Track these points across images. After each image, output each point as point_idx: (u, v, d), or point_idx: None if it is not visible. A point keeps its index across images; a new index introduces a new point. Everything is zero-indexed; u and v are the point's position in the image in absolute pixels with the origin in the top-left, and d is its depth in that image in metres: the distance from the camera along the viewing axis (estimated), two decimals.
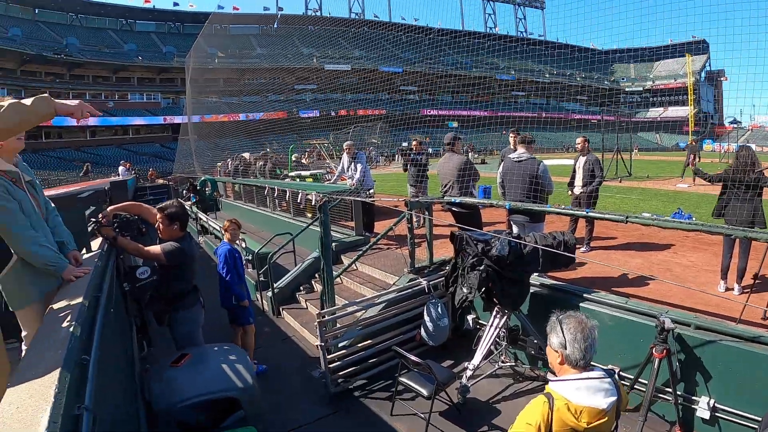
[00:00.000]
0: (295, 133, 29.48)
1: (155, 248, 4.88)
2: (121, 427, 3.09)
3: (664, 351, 4.47)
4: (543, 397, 2.73)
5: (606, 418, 2.65)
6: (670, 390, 4.64)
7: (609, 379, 2.72)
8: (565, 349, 2.76)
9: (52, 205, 3.62)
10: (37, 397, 1.58)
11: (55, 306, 2.76)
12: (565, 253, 5.46)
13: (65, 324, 2.29)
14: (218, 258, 6.69)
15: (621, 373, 5.13)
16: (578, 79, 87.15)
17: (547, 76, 79.76)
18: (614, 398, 2.67)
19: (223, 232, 7.06)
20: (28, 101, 2.61)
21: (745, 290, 6.51)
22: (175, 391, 3.93)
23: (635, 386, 4.85)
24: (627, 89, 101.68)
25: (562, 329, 2.81)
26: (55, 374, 1.73)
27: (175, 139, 52.70)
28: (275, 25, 68.10)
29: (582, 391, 2.66)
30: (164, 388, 3.99)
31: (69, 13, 70.74)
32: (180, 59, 58.26)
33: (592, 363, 2.77)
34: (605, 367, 2.89)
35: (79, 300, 2.70)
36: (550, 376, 3.03)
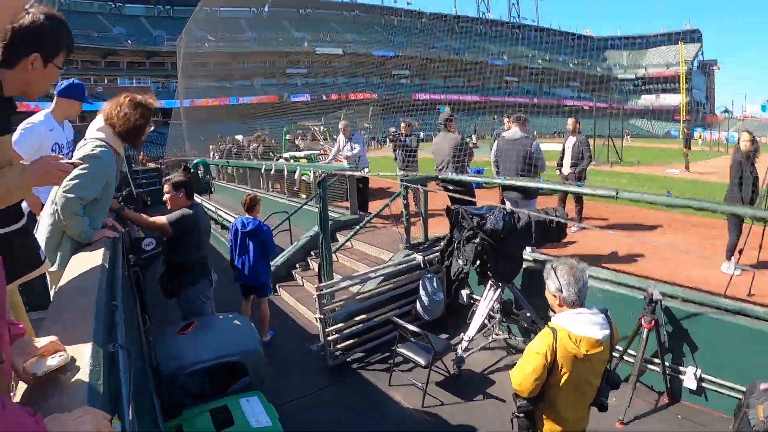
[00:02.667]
0: (286, 117, 29.37)
1: (160, 218, 4.91)
2: (139, 388, 3.21)
3: (653, 322, 4.65)
4: (548, 329, 3.15)
5: (601, 348, 3.03)
6: (658, 361, 4.82)
7: (602, 315, 3.12)
8: (562, 292, 3.13)
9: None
10: (76, 337, 1.63)
11: (76, 261, 2.85)
12: (558, 219, 5.57)
13: (91, 277, 2.37)
14: (260, 232, 6.76)
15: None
16: (571, 65, 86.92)
17: (540, 62, 79.43)
18: (607, 331, 3.06)
19: (246, 207, 7.07)
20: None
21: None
22: (181, 357, 3.98)
23: (624, 357, 5.02)
24: (619, 76, 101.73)
25: (556, 275, 3.16)
26: (91, 315, 1.80)
27: (166, 124, 52.20)
28: (266, 9, 67.66)
29: (580, 323, 3.05)
30: (170, 355, 4.03)
31: None
32: (170, 43, 57.67)
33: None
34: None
35: (99, 255, 2.81)
36: (550, 313, 3.34)
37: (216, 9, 59.69)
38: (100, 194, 3.34)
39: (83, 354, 1.51)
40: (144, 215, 5.00)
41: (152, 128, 3.85)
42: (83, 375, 1.41)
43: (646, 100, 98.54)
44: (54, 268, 3.08)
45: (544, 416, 3.29)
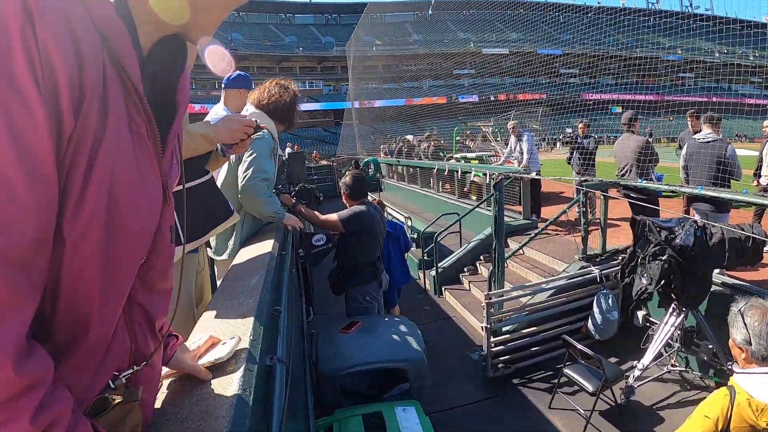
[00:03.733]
0: (454, 118, 29.49)
1: (332, 216, 4.99)
2: (296, 383, 3.19)
3: None
4: (725, 389, 2.57)
5: None
6: None
7: None
8: (750, 345, 2.59)
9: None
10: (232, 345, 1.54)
11: (243, 257, 2.87)
12: (756, 237, 4.87)
13: (256, 274, 2.34)
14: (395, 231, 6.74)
15: None
16: (751, 58, 79.57)
17: (717, 55, 73.44)
18: None
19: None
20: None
21: None
22: (343, 356, 3.98)
23: None
24: None
25: (744, 323, 2.64)
26: (250, 320, 1.69)
27: (337, 124, 54.54)
28: (429, 12, 68.50)
29: (766, 386, 2.45)
30: (332, 353, 4.04)
31: (232, 11, 75.67)
32: (339, 48, 60.29)
33: None
34: None
35: (268, 249, 2.79)
36: (735, 367, 2.78)
37: (381, 14, 61.37)
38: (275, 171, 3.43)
39: (235, 369, 1.41)
40: (316, 212, 5.07)
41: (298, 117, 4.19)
42: (234, 383, 1.30)
43: None
44: (224, 257, 3.16)
45: None
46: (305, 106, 71.06)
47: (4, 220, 0.60)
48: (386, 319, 4.78)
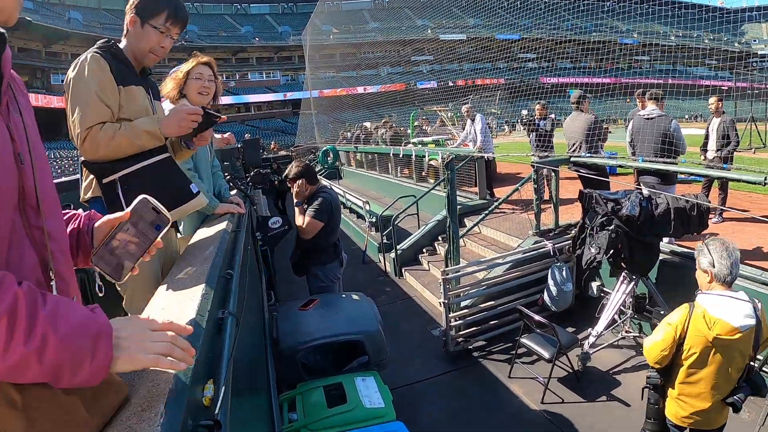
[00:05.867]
0: (413, 105, 29.55)
1: (307, 219, 5.06)
2: (258, 360, 3.27)
3: None
4: (687, 304, 3.19)
5: (737, 336, 2.95)
6: None
7: (750, 305, 3.01)
8: (714, 267, 3.08)
9: (217, 161, 3.91)
10: (186, 301, 1.64)
11: (202, 232, 2.96)
12: (700, 203, 5.15)
13: (211, 246, 2.42)
14: None
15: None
16: (706, 41, 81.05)
17: (673, 38, 74.59)
18: (751, 321, 2.96)
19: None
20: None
21: None
22: (302, 332, 4.07)
23: (764, 368, 4.51)
24: (760, 52, 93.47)
25: (708, 250, 3.14)
26: (202, 284, 1.79)
27: (296, 114, 54.08)
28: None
29: (720, 306, 3.03)
30: (290, 329, 4.13)
31: (186, 2, 73.99)
32: (296, 38, 59.63)
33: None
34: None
35: (223, 227, 2.88)
36: (698, 292, 3.25)
37: (338, 2, 60.96)
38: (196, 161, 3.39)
39: (188, 315, 1.51)
40: (298, 217, 5.16)
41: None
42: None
43: None
44: (179, 236, 3.21)
45: (669, 396, 3.34)
46: (263, 97, 70.33)
47: None
48: (343, 296, 4.88)
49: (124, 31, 2.47)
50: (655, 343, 3.25)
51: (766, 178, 4.79)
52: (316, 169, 21.61)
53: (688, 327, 3.10)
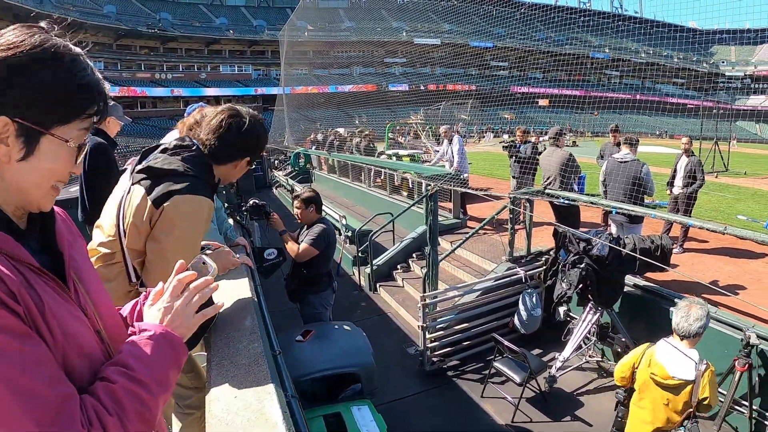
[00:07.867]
0: (384, 106, 29.64)
1: (304, 246, 5.29)
2: None
3: (746, 365, 4.48)
4: (648, 343, 3.94)
5: (670, 382, 3.58)
6: (746, 403, 4.65)
7: (694, 362, 3.56)
8: (677, 324, 3.67)
9: (220, 202, 4.03)
10: (258, 390, 1.72)
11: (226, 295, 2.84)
12: (661, 265, 5.59)
13: (247, 314, 2.50)
14: None
15: None
16: (675, 60, 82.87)
17: (643, 55, 76.11)
18: (687, 377, 3.53)
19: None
20: None
21: None
22: (302, 364, 4.26)
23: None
24: (727, 73, 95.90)
25: (678, 308, 3.76)
26: (264, 366, 1.88)
27: (266, 110, 53.62)
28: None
29: (665, 352, 3.69)
30: (290, 361, 4.29)
31: None
32: (270, 32, 59.13)
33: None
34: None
35: (247, 288, 2.88)
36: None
37: (315, 0, 60.61)
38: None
39: (271, 413, 1.58)
40: (290, 243, 5.36)
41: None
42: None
43: (756, 101, 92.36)
44: None
45: (629, 413, 4.04)
46: (233, 91, 69.36)
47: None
48: (336, 326, 5.07)
49: None
50: (620, 366, 4.08)
51: (725, 228, 5.28)
52: (287, 171, 21.73)
53: (641, 360, 3.85)
